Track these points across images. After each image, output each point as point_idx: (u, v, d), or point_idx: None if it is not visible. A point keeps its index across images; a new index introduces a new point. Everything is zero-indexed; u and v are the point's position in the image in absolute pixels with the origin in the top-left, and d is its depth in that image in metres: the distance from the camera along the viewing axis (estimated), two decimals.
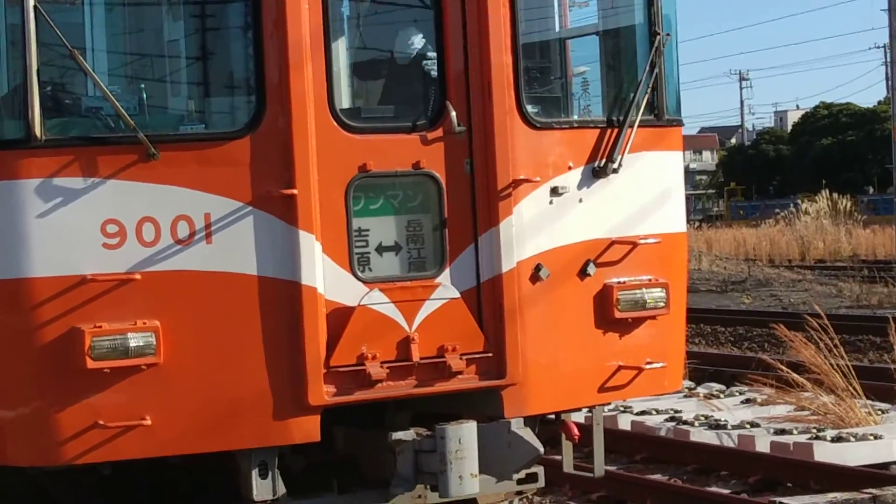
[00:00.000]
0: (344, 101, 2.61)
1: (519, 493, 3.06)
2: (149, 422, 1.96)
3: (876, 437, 5.52)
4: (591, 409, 3.05)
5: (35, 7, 1.88)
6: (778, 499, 4.47)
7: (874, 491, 4.25)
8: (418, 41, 2.69)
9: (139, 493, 2.66)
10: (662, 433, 6.23)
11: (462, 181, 2.43)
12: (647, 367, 2.71)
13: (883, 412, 6.34)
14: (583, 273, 2.60)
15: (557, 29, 3.32)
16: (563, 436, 2.94)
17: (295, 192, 2.10)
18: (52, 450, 2.01)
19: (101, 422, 1.93)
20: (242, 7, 2.39)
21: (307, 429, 2.14)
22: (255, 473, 2.14)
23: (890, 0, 18.01)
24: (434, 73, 2.57)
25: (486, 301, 2.44)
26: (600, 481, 4.03)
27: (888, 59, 39.17)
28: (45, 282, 1.94)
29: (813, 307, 9.48)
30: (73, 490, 2.61)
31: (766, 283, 19.09)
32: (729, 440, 5.89)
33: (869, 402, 6.33)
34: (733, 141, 74.78)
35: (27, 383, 2.08)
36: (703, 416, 6.44)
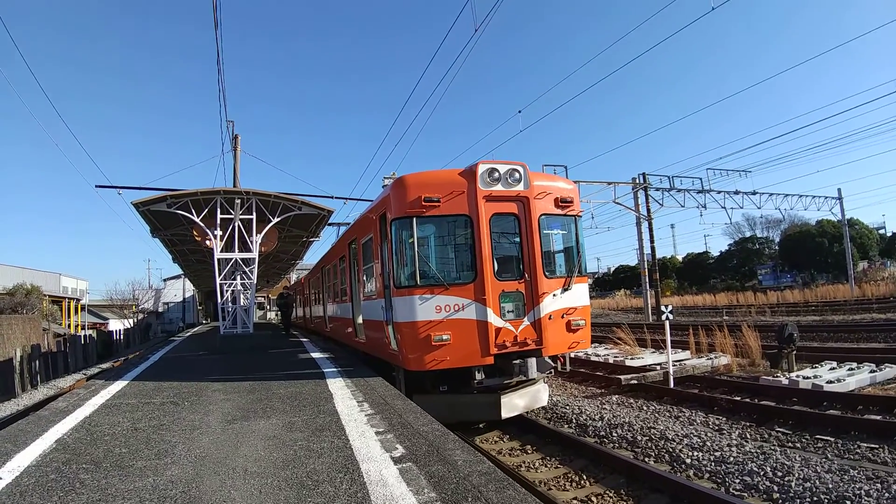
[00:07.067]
0: (495, 269, 7.51)
1: (548, 373, 8.11)
2: (448, 358, 7.11)
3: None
4: (565, 353, 8.37)
5: (415, 244, 7.03)
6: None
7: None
8: (516, 247, 7.68)
9: (439, 381, 7.73)
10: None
11: (528, 291, 7.52)
12: (580, 342, 8.08)
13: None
14: (562, 316, 7.71)
15: (548, 246, 7.88)
16: (560, 361, 8.36)
17: (485, 297, 7.23)
18: (423, 364, 6.99)
19: (435, 358, 7.05)
20: (470, 241, 7.32)
21: (488, 360, 7.21)
22: (476, 373, 7.28)
23: None
24: (520, 258, 7.60)
25: (536, 325, 7.47)
26: (568, 373, 10.31)
27: None
28: (422, 322, 7.07)
29: None
30: (426, 378, 7.64)
31: None
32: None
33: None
34: None
35: (418, 346, 7.02)
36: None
